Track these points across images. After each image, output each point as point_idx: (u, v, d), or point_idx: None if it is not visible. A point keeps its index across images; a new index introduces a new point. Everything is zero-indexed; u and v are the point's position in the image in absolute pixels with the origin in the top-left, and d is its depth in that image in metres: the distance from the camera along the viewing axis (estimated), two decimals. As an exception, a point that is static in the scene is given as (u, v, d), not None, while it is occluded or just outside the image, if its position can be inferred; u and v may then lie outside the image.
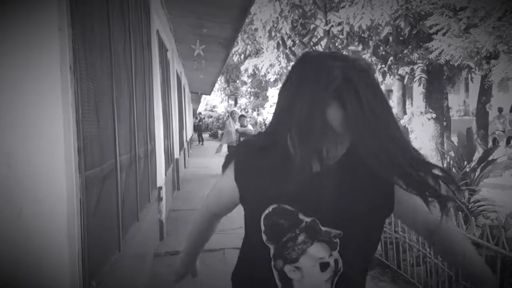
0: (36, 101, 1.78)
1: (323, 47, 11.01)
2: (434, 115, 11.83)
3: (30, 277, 1.75)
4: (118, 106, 3.02)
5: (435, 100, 11.99)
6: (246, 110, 28.59)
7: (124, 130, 3.27)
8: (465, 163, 5.85)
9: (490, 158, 5.93)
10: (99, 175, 2.44)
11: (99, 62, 2.59)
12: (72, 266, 1.83)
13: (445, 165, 5.56)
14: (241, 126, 10.98)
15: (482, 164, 5.77)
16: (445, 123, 13.52)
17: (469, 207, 5.12)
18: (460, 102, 27.57)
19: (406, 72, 11.24)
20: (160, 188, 5.53)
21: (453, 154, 6.13)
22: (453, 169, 5.73)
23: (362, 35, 10.86)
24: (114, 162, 2.86)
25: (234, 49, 22.36)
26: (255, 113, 28.56)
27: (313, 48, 11.58)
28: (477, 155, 6.20)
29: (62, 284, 1.77)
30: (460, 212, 3.62)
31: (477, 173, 5.73)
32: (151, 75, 5.15)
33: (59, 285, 1.77)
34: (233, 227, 6.05)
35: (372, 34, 10.75)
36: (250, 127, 11.56)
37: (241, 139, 10.54)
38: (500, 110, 18.31)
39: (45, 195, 1.77)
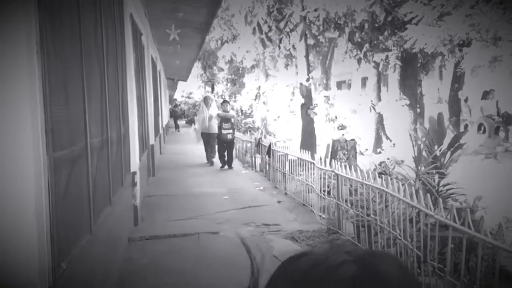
0: (0, 83, 1.75)
1: (299, 33, 11.04)
2: (407, 102, 12.03)
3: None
4: (89, 89, 2.99)
5: (409, 87, 12.17)
6: (223, 96, 28.55)
7: (95, 113, 3.24)
8: (436, 147, 5.98)
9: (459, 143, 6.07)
10: (68, 157, 2.42)
11: (68, 45, 2.55)
12: (41, 246, 1.83)
13: (415, 150, 5.66)
14: (223, 111, 10.97)
15: (452, 149, 5.91)
16: (418, 109, 13.77)
17: (439, 190, 5.24)
18: (434, 89, 28.04)
19: (381, 59, 11.39)
20: (134, 173, 5.50)
21: (424, 139, 6.26)
22: (424, 153, 5.85)
23: (338, 21, 10.92)
24: (85, 144, 2.84)
25: (211, 35, 22.21)
26: (232, 100, 28.50)
27: (289, 34, 11.61)
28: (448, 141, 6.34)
29: (30, 263, 1.77)
30: (428, 195, 3.71)
31: (447, 157, 5.87)
32: (124, 59, 5.09)
33: (27, 264, 1.77)
34: (209, 212, 6.08)
35: (348, 21, 10.82)
36: (232, 112, 11.62)
37: (223, 124, 10.57)
38: (465, 100, 18.65)
39: (12, 175, 1.75)
